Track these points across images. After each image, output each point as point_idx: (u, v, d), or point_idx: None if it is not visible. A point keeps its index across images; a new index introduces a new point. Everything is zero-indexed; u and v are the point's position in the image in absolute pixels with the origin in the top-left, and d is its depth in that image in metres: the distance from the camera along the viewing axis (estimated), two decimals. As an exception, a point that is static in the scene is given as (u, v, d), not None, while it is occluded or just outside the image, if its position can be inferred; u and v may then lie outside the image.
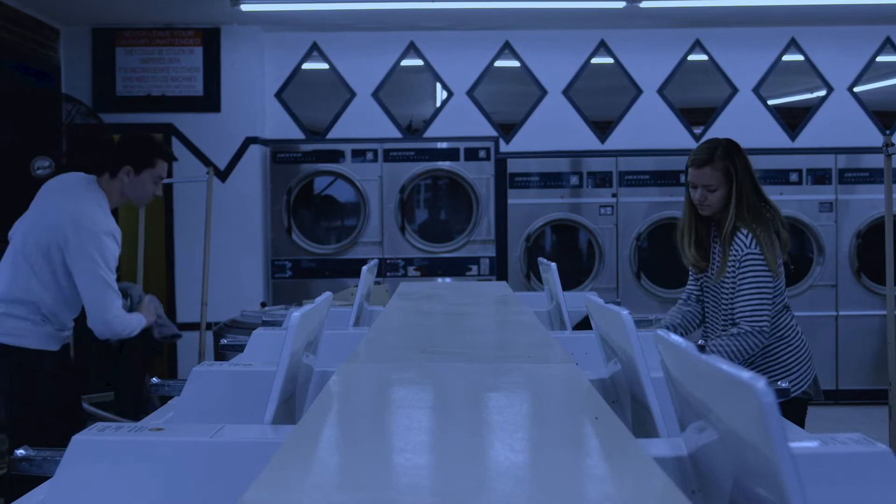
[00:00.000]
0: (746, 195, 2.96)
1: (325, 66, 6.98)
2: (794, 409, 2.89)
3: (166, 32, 6.67)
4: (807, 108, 7.08)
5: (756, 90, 7.02)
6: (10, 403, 3.28)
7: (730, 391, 0.85)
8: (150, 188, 3.47)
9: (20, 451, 1.43)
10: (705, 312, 3.16)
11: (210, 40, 6.69)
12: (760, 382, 0.78)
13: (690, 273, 3.22)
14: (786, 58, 7.03)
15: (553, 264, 2.71)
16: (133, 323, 3.44)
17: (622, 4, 6.11)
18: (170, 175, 3.79)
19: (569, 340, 2.22)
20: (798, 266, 6.59)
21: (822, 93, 7.04)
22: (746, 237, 2.92)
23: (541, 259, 3.11)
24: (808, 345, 3.07)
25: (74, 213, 3.28)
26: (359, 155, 6.66)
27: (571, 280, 6.50)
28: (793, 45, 7.02)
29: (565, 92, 7.00)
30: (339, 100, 6.98)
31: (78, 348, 6.53)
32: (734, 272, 2.93)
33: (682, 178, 6.64)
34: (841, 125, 6.95)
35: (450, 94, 7.01)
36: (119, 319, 3.34)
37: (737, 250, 2.92)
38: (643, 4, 6.11)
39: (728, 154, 2.99)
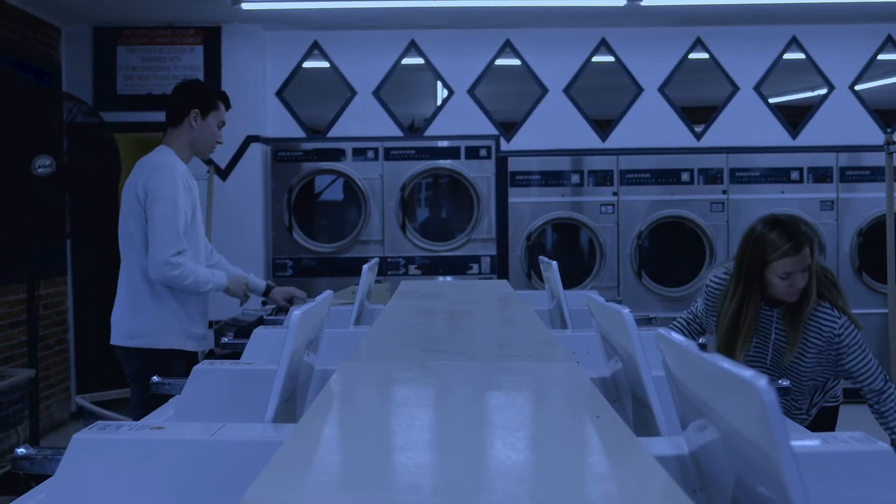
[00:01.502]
0: None
1: (325, 64, 6.98)
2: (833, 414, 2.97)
3: (167, 31, 6.67)
4: (808, 107, 7.07)
5: (757, 88, 7.01)
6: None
7: (731, 390, 0.85)
8: (215, 132, 3.46)
9: (21, 450, 1.42)
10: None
11: (211, 39, 6.69)
12: (762, 381, 0.77)
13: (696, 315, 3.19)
14: (787, 56, 7.03)
15: (554, 263, 2.71)
16: (202, 275, 3.28)
17: (623, 3, 6.10)
18: None
19: (570, 339, 2.21)
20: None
21: (823, 91, 7.03)
22: (831, 310, 2.86)
23: (542, 257, 3.10)
24: None
25: (145, 172, 3.28)
26: (360, 153, 6.66)
27: (572, 279, 6.50)
28: (794, 43, 7.01)
29: (566, 90, 6.99)
30: (340, 98, 6.98)
31: (78, 348, 6.55)
32: (824, 348, 2.89)
33: (684, 177, 6.64)
34: (842, 123, 6.95)
35: (450, 92, 7.00)
36: (178, 265, 3.19)
37: (829, 327, 2.86)
38: (644, 3, 6.10)
39: (807, 225, 2.97)
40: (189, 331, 3.34)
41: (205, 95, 3.44)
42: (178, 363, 3.30)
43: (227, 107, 3.54)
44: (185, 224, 3.25)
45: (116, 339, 3.32)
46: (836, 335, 2.85)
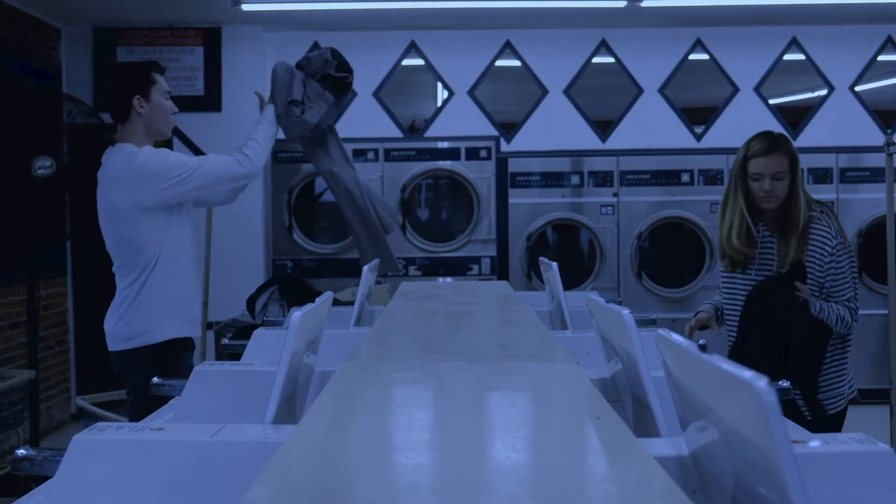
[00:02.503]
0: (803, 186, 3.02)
1: (325, 65, 6.97)
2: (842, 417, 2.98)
3: (167, 32, 6.67)
4: (808, 108, 7.07)
5: (757, 89, 7.01)
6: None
7: (731, 390, 0.85)
8: (166, 106, 3.26)
9: (20, 451, 1.42)
10: (727, 308, 3.17)
11: (211, 40, 6.69)
12: (762, 381, 0.77)
13: (722, 270, 3.24)
14: (787, 57, 7.03)
15: (554, 263, 2.71)
16: (259, 137, 3.28)
17: (623, 4, 6.10)
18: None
19: (570, 340, 2.21)
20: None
21: (824, 92, 7.04)
22: (829, 228, 2.95)
23: (542, 258, 3.10)
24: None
25: (133, 179, 3.13)
26: (360, 154, 6.66)
27: (573, 279, 6.49)
28: (794, 44, 7.01)
29: (566, 91, 6.99)
30: (340, 99, 6.97)
31: (78, 349, 6.55)
32: (821, 266, 2.95)
33: (684, 178, 6.64)
34: (842, 124, 6.95)
35: (451, 93, 7.00)
36: (243, 159, 3.21)
37: (824, 242, 2.94)
38: (644, 4, 6.10)
39: (789, 142, 3.04)
40: (185, 314, 3.24)
41: (138, 76, 3.22)
42: (185, 357, 3.22)
43: (162, 71, 3.30)
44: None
45: (112, 344, 3.20)
46: (829, 253, 2.93)
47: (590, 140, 6.98)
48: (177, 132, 6.60)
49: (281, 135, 3.59)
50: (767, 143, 3.00)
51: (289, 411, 1.49)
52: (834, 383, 3.05)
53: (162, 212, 3.14)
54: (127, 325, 3.16)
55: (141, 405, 3.06)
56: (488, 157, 6.67)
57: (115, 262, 3.23)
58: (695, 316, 3.32)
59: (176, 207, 3.18)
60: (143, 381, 3.04)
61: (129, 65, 3.37)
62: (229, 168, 3.18)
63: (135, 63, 3.33)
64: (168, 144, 6.47)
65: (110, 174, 3.18)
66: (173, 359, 3.15)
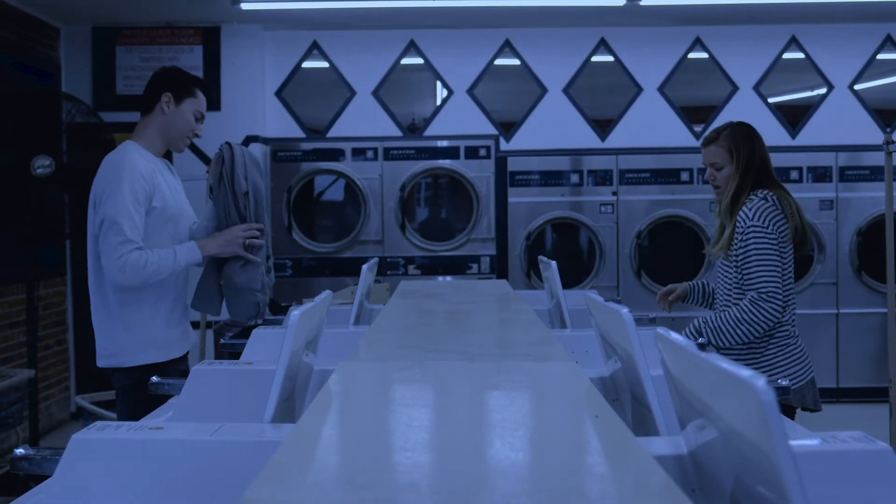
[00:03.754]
0: (754, 176, 3.02)
1: (325, 64, 6.98)
2: None
3: (166, 31, 6.66)
4: (807, 106, 7.07)
5: (756, 88, 7.01)
6: None
7: (730, 389, 0.85)
8: (190, 121, 3.09)
9: (20, 450, 1.42)
10: (716, 297, 3.20)
11: (210, 39, 6.68)
12: (760, 381, 0.77)
13: None
14: (786, 55, 7.03)
15: (553, 262, 2.71)
16: (160, 258, 2.89)
17: (622, 2, 6.10)
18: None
19: (569, 339, 2.21)
20: (799, 264, 6.57)
21: (823, 90, 7.04)
22: (750, 210, 2.95)
23: (541, 257, 3.11)
24: (804, 348, 3.06)
25: (98, 176, 2.96)
26: (359, 153, 6.66)
27: (572, 278, 6.49)
28: (793, 42, 7.01)
29: (566, 90, 6.99)
30: (340, 98, 6.98)
31: (78, 348, 6.55)
32: (736, 249, 2.96)
33: (683, 176, 6.65)
34: (841, 123, 6.95)
35: (450, 92, 7.00)
36: (124, 261, 2.83)
37: (741, 223, 2.96)
38: (643, 2, 6.10)
39: (733, 134, 3.06)
40: (167, 338, 3.04)
41: (180, 79, 3.10)
42: (167, 371, 2.99)
43: (208, 97, 3.16)
44: (137, 219, 2.90)
45: (98, 358, 3.04)
46: (743, 233, 2.94)
47: (589, 139, 6.97)
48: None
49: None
50: (710, 134, 3.11)
51: (288, 410, 1.49)
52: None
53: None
54: (99, 344, 3.01)
55: (127, 408, 3.00)
56: (488, 156, 6.67)
57: (89, 274, 3.05)
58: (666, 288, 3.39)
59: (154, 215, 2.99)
60: (130, 384, 2.98)
61: (179, 69, 3.18)
62: (110, 262, 2.87)
63: (187, 73, 3.17)
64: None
65: (101, 166, 3.02)
66: (146, 381, 2.93)
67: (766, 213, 2.94)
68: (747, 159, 3.02)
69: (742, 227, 2.95)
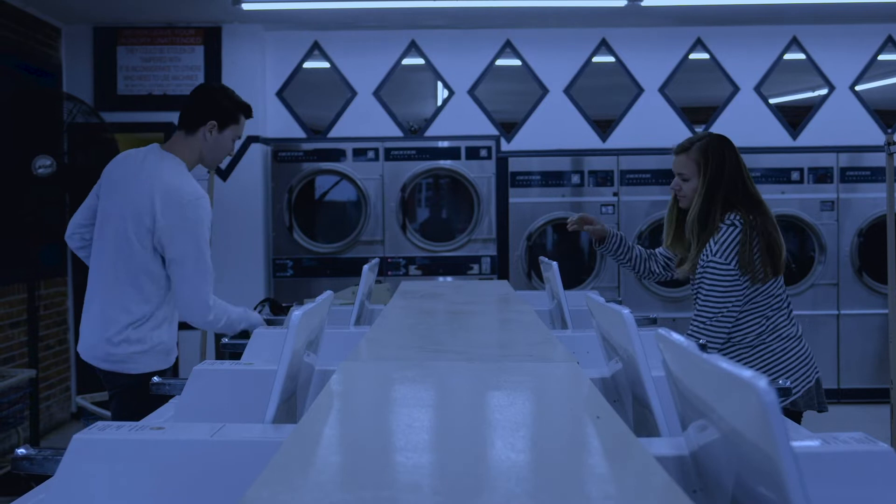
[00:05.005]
0: (724, 194, 2.95)
1: (326, 64, 6.98)
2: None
3: (167, 31, 6.67)
4: (808, 107, 7.07)
5: (757, 89, 7.01)
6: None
7: (731, 390, 0.85)
8: (229, 147, 3.13)
9: (21, 450, 1.42)
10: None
11: (211, 39, 6.69)
12: (762, 381, 0.77)
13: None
14: (787, 56, 7.03)
15: (554, 263, 2.71)
16: (234, 315, 3.00)
17: (623, 3, 6.10)
18: None
19: (570, 339, 2.21)
20: (799, 265, 6.58)
21: (824, 91, 7.03)
22: (715, 243, 2.90)
23: (542, 258, 3.11)
24: (809, 351, 3.04)
25: (159, 182, 2.92)
26: (360, 154, 6.66)
27: (573, 279, 6.49)
28: (794, 43, 7.01)
29: (566, 91, 6.99)
30: (341, 99, 6.98)
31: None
32: (698, 273, 2.96)
33: (684, 177, 6.65)
34: (842, 124, 6.94)
35: (451, 92, 7.00)
36: (219, 305, 2.94)
37: (705, 253, 2.93)
38: (644, 3, 6.10)
39: (705, 147, 2.99)
40: (168, 347, 3.05)
41: (227, 108, 3.09)
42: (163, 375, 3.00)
43: (249, 117, 3.20)
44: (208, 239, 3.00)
45: (89, 356, 3.02)
46: (703, 267, 2.91)
47: (590, 139, 6.98)
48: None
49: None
50: (683, 143, 3.06)
51: (289, 411, 1.49)
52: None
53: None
54: (109, 350, 2.98)
55: (121, 408, 3.00)
56: (488, 157, 6.67)
57: (97, 257, 3.03)
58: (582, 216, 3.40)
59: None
60: (125, 385, 2.99)
61: (227, 92, 3.16)
62: (200, 304, 2.92)
63: (234, 95, 3.16)
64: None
65: (162, 178, 2.96)
66: (142, 386, 2.76)
67: (729, 246, 2.88)
68: (715, 175, 2.94)
69: (704, 258, 2.91)
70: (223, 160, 3.21)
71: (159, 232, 2.91)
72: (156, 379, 2.26)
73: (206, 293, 2.93)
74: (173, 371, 3.23)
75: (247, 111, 3.16)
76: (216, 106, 3.08)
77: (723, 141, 3.02)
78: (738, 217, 2.91)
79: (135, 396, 2.92)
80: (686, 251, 3.09)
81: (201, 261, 2.92)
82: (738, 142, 3.10)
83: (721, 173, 2.95)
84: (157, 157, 3.03)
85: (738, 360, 2.91)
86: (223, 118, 3.07)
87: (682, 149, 3.04)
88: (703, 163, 2.97)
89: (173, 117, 6.82)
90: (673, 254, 3.25)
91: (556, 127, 6.94)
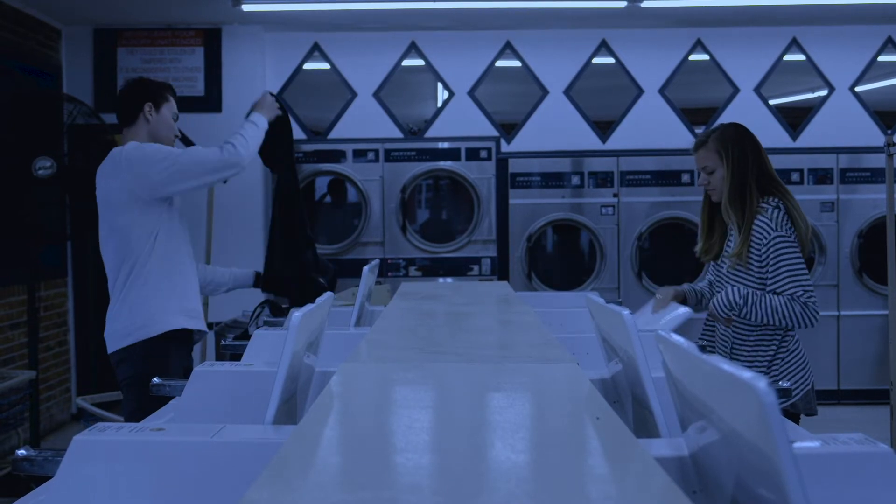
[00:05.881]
0: (751, 176, 2.99)
1: (326, 66, 6.98)
2: None
3: (167, 32, 6.67)
4: (808, 108, 7.07)
5: (757, 90, 7.01)
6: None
7: (731, 391, 0.85)
8: (170, 124, 3.39)
9: (21, 451, 1.42)
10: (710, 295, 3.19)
11: (211, 40, 6.69)
12: (762, 382, 0.77)
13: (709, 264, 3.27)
14: (787, 57, 7.03)
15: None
16: (246, 131, 3.32)
17: (623, 4, 6.10)
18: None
19: (570, 340, 2.21)
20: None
21: (824, 92, 7.04)
22: (770, 220, 2.93)
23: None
24: (806, 354, 3.05)
25: (134, 162, 3.20)
26: (360, 155, 6.66)
27: (573, 280, 6.50)
28: (794, 44, 7.02)
29: (566, 92, 6.99)
30: (341, 100, 6.98)
31: (79, 349, 6.55)
32: (759, 259, 2.94)
33: (684, 178, 6.65)
34: (842, 125, 6.95)
35: (451, 94, 7.01)
36: (230, 149, 3.22)
37: (763, 233, 2.92)
38: (644, 4, 6.10)
39: (721, 135, 3.04)
40: (184, 306, 3.25)
41: (154, 89, 3.37)
42: (177, 349, 3.21)
43: (175, 97, 3.46)
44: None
45: (112, 345, 3.22)
46: (767, 245, 2.91)
47: (590, 140, 6.98)
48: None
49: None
50: (699, 138, 3.10)
51: (289, 412, 1.49)
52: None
53: (154, 205, 3.20)
54: (124, 322, 3.16)
55: (134, 398, 3.08)
56: (488, 158, 6.68)
57: (108, 262, 3.26)
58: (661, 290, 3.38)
59: (167, 203, 3.24)
60: (137, 374, 3.06)
61: (147, 79, 3.51)
62: (214, 155, 3.21)
63: (153, 80, 3.48)
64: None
65: (104, 168, 3.28)
66: (166, 350, 3.16)
67: (784, 222, 2.93)
68: (738, 158, 2.99)
69: (766, 238, 2.91)
70: (173, 139, 3.43)
71: (138, 184, 3.18)
72: (156, 380, 2.26)
73: (210, 153, 3.22)
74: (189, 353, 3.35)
75: (171, 90, 3.43)
76: (145, 90, 3.36)
77: (737, 126, 3.08)
78: (779, 200, 2.98)
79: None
80: (715, 250, 3.13)
81: (183, 155, 3.20)
82: (737, 142, 3.12)
83: (745, 156, 3.00)
84: (117, 150, 3.30)
85: (744, 363, 2.92)
86: (155, 98, 3.35)
87: (700, 143, 3.08)
88: (723, 150, 3.01)
89: (173, 118, 6.81)
90: (707, 259, 3.25)
91: (556, 128, 6.95)
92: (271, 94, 3.61)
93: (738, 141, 3.02)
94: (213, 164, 3.20)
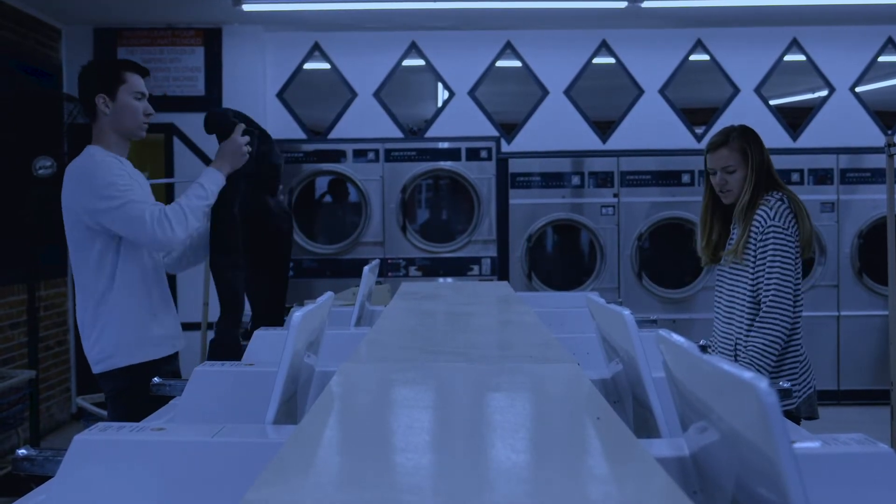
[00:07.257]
0: (766, 176, 3.00)
1: (326, 65, 6.98)
2: None
3: (168, 32, 6.67)
4: (808, 109, 7.07)
5: (758, 90, 7.01)
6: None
7: (731, 391, 0.85)
8: (135, 107, 3.02)
9: (22, 451, 1.42)
10: (716, 303, 3.17)
11: (211, 40, 6.69)
12: (762, 383, 0.77)
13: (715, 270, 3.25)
14: (787, 58, 7.03)
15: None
16: (190, 202, 2.87)
17: (624, 4, 6.10)
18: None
19: (570, 340, 2.21)
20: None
21: (824, 93, 7.04)
22: (770, 210, 2.93)
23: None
24: (809, 358, 3.04)
25: (73, 182, 2.90)
26: (360, 155, 6.66)
27: (573, 280, 6.50)
28: (794, 45, 7.02)
29: (567, 92, 6.99)
30: (341, 100, 6.98)
31: (79, 349, 6.55)
32: (755, 249, 2.93)
33: (684, 178, 6.65)
34: (843, 125, 6.95)
35: (451, 94, 7.00)
36: (161, 218, 2.80)
37: (759, 223, 2.92)
38: (645, 4, 6.10)
39: (743, 135, 3.04)
40: (151, 335, 2.97)
41: (103, 75, 3.00)
42: (149, 377, 2.78)
43: (141, 73, 3.07)
44: (137, 193, 2.89)
45: (93, 365, 2.99)
46: (762, 233, 2.91)
47: (590, 141, 6.98)
48: (177, 132, 6.61)
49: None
50: (717, 138, 3.07)
51: (289, 412, 1.49)
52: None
53: (105, 237, 2.91)
54: (93, 349, 2.96)
55: (121, 412, 2.92)
56: (489, 158, 6.68)
57: (75, 274, 3.02)
58: None
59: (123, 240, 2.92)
60: (119, 388, 2.92)
61: (98, 62, 3.07)
62: (148, 230, 2.81)
63: (106, 61, 3.08)
64: (168, 144, 6.48)
65: (66, 173, 3.00)
66: (137, 383, 2.82)
67: (784, 214, 2.93)
68: (760, 160, 3.00)
69: (761, 227, 2.91)
70: (143, 122, 3.09)
71: (91, 211, 2.87)
72: (156, 380, 2.26)
73: (140, 221, 2.81)
74: (174, 372, 3.21)
75: (128, 66, 3.05)
76: (94, 79, 3.02)
77: (752, 130, 3.09)
78: (784, 195, 2.97)
79: None
80: (714, 254, 3.13)
81: (119, 205, 2.82)
82: (738, 143, 3.12)
83: (764, 158, 3.02)
84: (71, 165, 2.99)
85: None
86: (105, 86, 2.98)
87: (720, 143, 3.05)
88: (748, 150, 3.01)
89: (174, 118, 6.84)
90: (710, 264, 3.24)
91: (556, 128, 6.94)
92: (245, 129, 3.22)
93: (758, 141, 3.04)
94: (145, 236, 2.83)
